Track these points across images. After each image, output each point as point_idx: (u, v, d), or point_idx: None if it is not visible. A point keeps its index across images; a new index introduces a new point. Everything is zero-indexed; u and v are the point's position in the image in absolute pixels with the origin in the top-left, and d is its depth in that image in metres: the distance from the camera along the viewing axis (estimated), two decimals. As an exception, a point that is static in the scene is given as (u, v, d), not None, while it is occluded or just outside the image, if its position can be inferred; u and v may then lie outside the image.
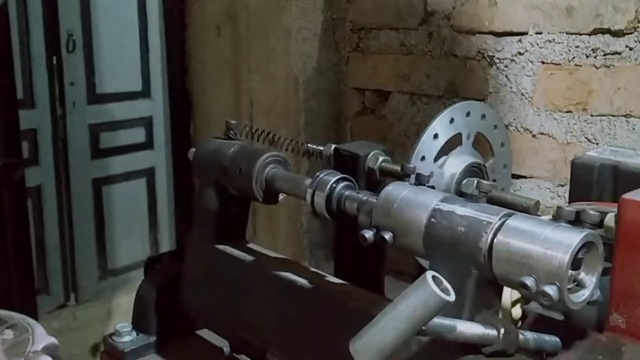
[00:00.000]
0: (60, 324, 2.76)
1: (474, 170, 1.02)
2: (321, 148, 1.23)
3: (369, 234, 0.86)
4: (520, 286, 0.74)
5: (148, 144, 3.34)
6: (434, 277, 0.63)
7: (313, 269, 1.05)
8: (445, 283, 0.63)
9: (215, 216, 1.15)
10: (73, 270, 3.08)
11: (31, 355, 1.59)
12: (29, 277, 2.04)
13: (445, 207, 0.81)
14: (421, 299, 0.63)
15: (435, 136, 0.97)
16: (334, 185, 0.94)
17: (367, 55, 1.60)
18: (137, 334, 1.19)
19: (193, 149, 1.26)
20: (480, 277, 0.78)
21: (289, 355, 0.98)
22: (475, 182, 0.97)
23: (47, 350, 1.71)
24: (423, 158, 0.96)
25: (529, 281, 0.72)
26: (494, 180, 1.09)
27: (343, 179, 0.95)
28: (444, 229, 0.80)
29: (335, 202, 0.93)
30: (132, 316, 1.22)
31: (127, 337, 1.18)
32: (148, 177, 3.36)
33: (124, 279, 3.23)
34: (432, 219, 0.82)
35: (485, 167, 1.04)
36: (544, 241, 0.74)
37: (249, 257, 1.08)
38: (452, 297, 0.63)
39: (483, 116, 1.05)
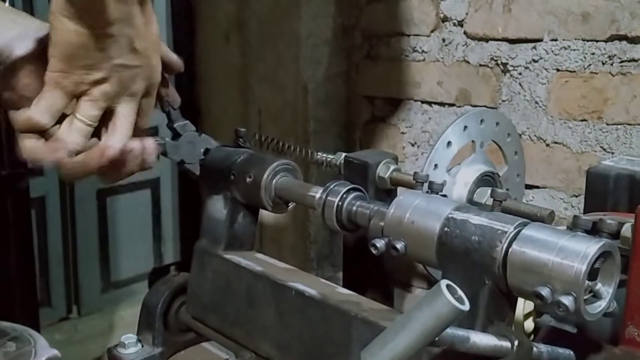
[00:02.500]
0: (62, 337, 2.75)
1: (487, 180, 1.00)
2: (331, 157, 1.22)
3: (380, 244, 0.84)
4: (535, 296, 0.71)
5: (154, 154, 3.33)
6: (448, 286, 0.61)
7: (322, 280, 1.03)
8: (460, 292, 0.61)
9: (224, 225, 1.13)
10: (76, 282, 3.06)
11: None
12: (31, 289, 2.03)
13: (459, 216, 0.79)
14: (435, 308, 0.61)
15: (449, 144, 0.95)
16: (345, 195, 0.92)
17: (378, 62, 1.58)
18: (142, 346, 1.17)
19: None
20: (494, 288, 0.75)
21: (297, 367, 0.96)
22: (489, 191, 0.95)
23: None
24: (436, 166, 0.94)
25: (545, 291, 0.70)
26: (507, 190, 1.07)
27: (354, 189, 0.93)
28: (457, 239, 0.78)
29: (345, 213, 0.91)
30: (137, 327, 1.20)
31: (132, 349, 1.16)
32: (153, 188, 3.34)
33: (128, 292, 3.20)
34: (446, 228, 0.79)
35: (499, 176, 1.02)
36: (560, 251, 0.72)
37: (257, 267, 1.06)
38: (466, 307, 0.60)
39: (497, 124, 1.03)
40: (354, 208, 0.91)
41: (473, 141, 0.99)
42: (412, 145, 1.52)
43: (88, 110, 0.71)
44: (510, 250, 0.74)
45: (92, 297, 3.13)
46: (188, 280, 1.21)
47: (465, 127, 0.97)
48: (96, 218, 3.11)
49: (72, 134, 0.72)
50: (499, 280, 0.75)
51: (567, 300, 0.68)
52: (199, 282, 1.16)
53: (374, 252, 0.85)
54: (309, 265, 1.60)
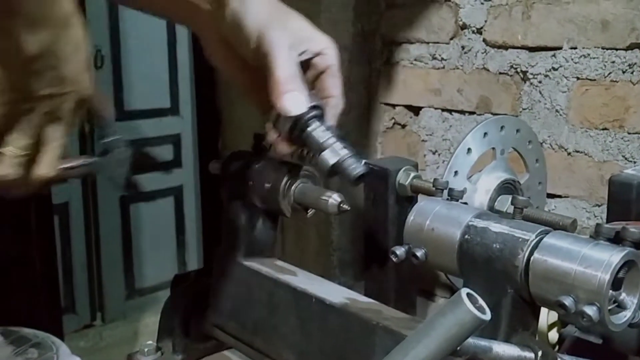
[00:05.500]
0: (86, 344, 2.77)
1: (508, 187, 0.99)
2: (351, 163, 1.21)
3: (400, 251, 0.84)
4: (558, 306, 0.71)
5: (176, 162, 3.34)
6: (469, 295, 0.60)
7: (343, 288, 1.03)
8: (481, 301, 0.61)
9: (243, 232, 1.13)
10: (100, 289, 3.08)
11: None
12: (55, 296, 2.03)
13: (480, 223, 0.79)
14: (456, 318, 0.60)
15: (469, 151, 0.95)
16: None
17: (398, 69, 1.58)
18: (162, 353, 1.18)
19: (215, 162, 1.25)
20: (517, 297, 0.75)
21: (317, 375, 0.96)
22: (510, 199, 0.94)
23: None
24: (456, 173, 0.94)
25: (568, 301, 0.69)
26: (529, 198, 1.06)
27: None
28: (478, 246, 0.78)
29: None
30: (157, 334, 1.21)
31: (152, 356, 1.16)
32: (176, 196, 3.35)
33: (151, 299, 3.21)
34: (466, 236, 0.79)
35: (520, 184, 1.02)
36: (583, 259, 0.71)
37: (278, 275, 1.06)
38: (487, 316, 0.60)
39: (517, 131, 1.02)
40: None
41: (493, 148, 0.99)
42: (433, 153, 1.52)
43: (17, 143, 0.68)
44: (532, 258, 0.74)
45: (116, 305, 3.14)
46: (208, 287, 1.21)
47: (485, 133, 0.97)
48: (119, 225, 3.13)
49: (5, 168, 0.69)
50: (522, 289, 0.74)
51: (590, 310, 0.68)
52: (220, 289, 1.16)
53: (394, 259, 0.84)
54: (331, 273, 1.60)
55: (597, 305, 0.68)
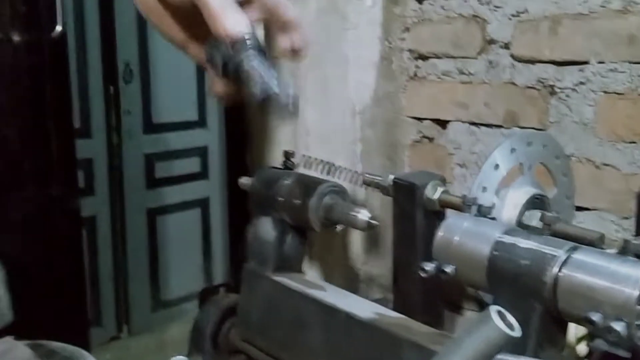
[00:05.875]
0: (112, 356, 2.79)
1: (536, 202, 1.00)
2: (380, 178, 1.23)
3: (429, 267, 0.85)
4: (587, 322, 0.71)
5: (203, 174, 3.36)
6: (498, 312, 0.61)
7: (371, 302, 1.04)
8: (510, 318, 0.61)
9: (273, 247, 1.15)
10: (126, 301, 3.10)
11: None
12: (82, 309, 2.05)
13: (508, 239, 0.80)
14: (485, 334, 0.61)
15: (496, 166, 0.96)
16: None
17: (425, 83, 1.59)
18: (193, 366, 1.20)
19: (244, 178, 1.27)
20: (545, 312, 0.76)
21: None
22: (540, 214, 0.95)
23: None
24: (484, 189, 0.94)
25: (596, 317, 0.70)
26: (557, 212, 1.06)
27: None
28: (507, 262, 0.79)
29: None
30: (188, 347, 1.23)
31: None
32: (202, 207, 3.37)
33: (177, 311, 3.22)
34: (495, 252, 0.80)
35: (547, 198, 1.02)
36: (611, 275, 0.72)
37: (306, 290, 1.08)
38: (517, 333, 0.61)
39: (545, 146, 1.03)
40: None
41: (521, 163, 0.99)
42: (461, 166, 1.52)
43: None
44: (560, 274, 0.75)
45: (142, 317, 3.16)
46: (237, 302, 1.23)
47: (513, 149, 0.97)
48: (146, 237, 3.15)
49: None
50: (550, 305, 0.75)
51: (618, 326, 0.68)
52: (248, 303, 1.17)
53: (423, 275, 0.85)
54: (357, 286, 1.60)
55: (626, 321, 0.69)
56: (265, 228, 1.16)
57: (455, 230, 0.84)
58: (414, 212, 1.12)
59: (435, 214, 1.13)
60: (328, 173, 1.29)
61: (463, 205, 0.90)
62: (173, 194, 3.27)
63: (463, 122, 1.51)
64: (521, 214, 0.98)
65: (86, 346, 1.93)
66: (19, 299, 1.63)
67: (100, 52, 2.93)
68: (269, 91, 0.61)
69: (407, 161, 1.65)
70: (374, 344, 0.92)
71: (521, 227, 0.97)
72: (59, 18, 1.68)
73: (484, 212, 0.86)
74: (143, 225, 3.15)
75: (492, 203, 0.95)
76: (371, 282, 1.65)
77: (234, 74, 0.64)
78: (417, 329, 0.94)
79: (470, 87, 1.49)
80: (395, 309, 1.09)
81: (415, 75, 1.60)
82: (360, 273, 1.65)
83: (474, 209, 0.87)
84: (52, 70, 1.76)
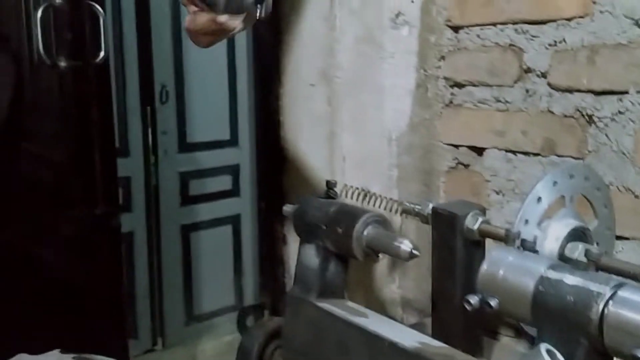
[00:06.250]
0: None
1: (577, 234, 1.01)
2: (419, 207, 1.25)
3: (474, 300, 0.87)
4: (633, 359, 0.73)
5: (234, 192, 3.44)
6: (548, 351, 0.63)
7: (413, 331, 1.06)
8: (559, 356, 0.63)
9: (315, 274, 1.17)
10: (161, 315, 3.17)
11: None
12: (121, 323, 2.10)
13: (553, 275, 0.81)
14: (536, 372, 0.63)
15: (539, 200, 0.97)
16: None
17: (460, 110, 1.61)
18: (237, 389, 1.22)
19: (288, 206, 1.29)
20: (591, 348, 0.77)
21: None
22: (584, 250, 0.96)
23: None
24: (527, 222, 0.96)
25: (642, 354, 0.71)
26: (597, 243, 1.08)
27: None
28: (552, 298, 0.80)
29: None
30: (233, 369, 1.25)
31: (227, 391, 1.21)
32: (234, 224, 3.44)
33: (209, 325, 3.29)
34: (540, 287, 0.81)
35: (589, 230, 1.03)
36: (658, 313, 0.73)
37: (350, 317, 1.10)
38: (566, 372, 0.62)
39: (586, 178, 1.04)
40: None
41: (563, 196, 1.01)
42: (497, 193, 1.54)
43: None
44: (606, 311, 0.76)
45: (176, 330, 3.23)
46: (281, 326, 1.25)
47: (555, 182, 0.99)
48: (180, 252, 3.23)
49: None
50: (595, 341, 0.76)
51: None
52: (292, 328, 1.20)
53: (468, 308, 0.87)
54: (394, 310, 1.62)
55: (672, 358, 0.70)
56: (309, 255, 1.18)
57: (500, 264, 0.86)
58: (454, 242, 1.14)
59: (475, 243, 1.15)
60: (368, 201, 1.31)
61: (506, 238, 0.91)
62: (206, 211, 3.35)
63: (499, 149, 1.53)
64: (563, 246, 0.99)
65: (125, 359, 1.97)
66: (65, 312, 1.68)
67: (138, 74, 3.02)
68: None
69: (442, 187, 1.67)
70: (419, 375, 0.94)
71: (563, 259, 0.98)
72: (103, 44, 1.73)
73: (527, 247, 0.87)
74: (177, 240, 3.23)
75: (534, 236, 0.97)
76: (408, 305, 1.66)
77: None
78: (459, 359, 0.95)
79: (506, 115, 1.50)
80: (434, 336, 1.10)
81: (451, 102, 1.62)
82: (396, 297, 1.67)
83: (518, 243, 0.88)
84: (97, 94, 1.81)
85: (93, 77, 1.79)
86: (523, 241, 0.87)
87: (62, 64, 1.69)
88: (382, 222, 1.12)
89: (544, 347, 0.63)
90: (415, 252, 1.02)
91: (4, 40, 1.67)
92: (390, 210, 1.28)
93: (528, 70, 1.46)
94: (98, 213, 1.87)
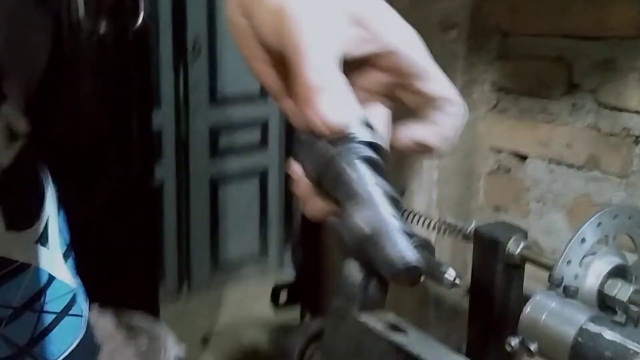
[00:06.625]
0: (173, 312, 2.93)
1: (618, 271, 1.04)
2: (460, 225, 1.27)
3: (514, 342, 0.91)
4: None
5: (263, 146, 3.48)
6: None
7: (455, 353, 1.10)
8: None
9: (358, 288, 1.21)
10: (188, 262, 3.28)
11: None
12: (154, 270, 2.18)
13: (593, 328, 0.84)
14: None
15: (583, 240, 1.00)
16: None
17: (505, 116, 1.62)
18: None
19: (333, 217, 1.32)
20: (627, 405, 0.80)
21: None
22: (620, 284, 0.99)
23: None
24: (569, 262, 0.99)
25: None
26: (636, 278, 1.10)
27: None
28: (590, 351, 0.83)
29: None
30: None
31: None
32: (261, 177, 3.51)
33: (235, 273, 3.43)
34: (579, 339, 0.84)
35: (629, 267, 1.06)
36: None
37: (391, 335, 1.14)
38: None
39: (630, 218, 1.06)
40: None
41: (606, 235, 1.03)
42: (537, 202, 1.56)
43: None
44: (643, 371, 0.79)
45: (202, 276, 3.33)
46: (320, 330, 1.30)
47: (600, 223, 1.01)
48: (208, 203, 3.31)
49: None
50: (630, 399, 0.79)
51: None
52: (333, 340, 1.24)
53: (508, 349, 0.91)
54: (428, 325, 1.66)
55: None
56: (352, 270, 1.22)
57: (543, 310, 0.89)
58: (494, 265, 1.17)
59: (516, 267, 1.18)
60: (406, 218, 1.34)
61: (550, 282, 0.94)
62: (234, 164, 3.42)
63: (542, 159, 1.54)
64: (603, 283, 1.02)
65: (156, 305, 2.12)
66: (99, 267, 1.75)
67: (171, 27, 3.04)
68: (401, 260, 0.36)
69: (483, 190, 1.69)
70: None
71: (602, 296, 1.01)
72: (142, 5, 1.75)
73: (570, 294, 0.90)
74: (206, 192, 3.30)
75: (575, 274, 1.00)
76: (440, 320, 1.70)
77: (330, 187, 0.43)
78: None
79: (551, 126, 1.51)
80: (467, 355, 1.14)
81: (496, 106, 1.63)
82: (429, 311, 1.70)
83: (561, 290, 0.91)
84: (136, 55, 1.83)
85: (133, 37, 1.81)
86: (565, 288, 0.90)
87: (102, 26, 1.70)
88: (426, 246, 1.15)
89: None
90: (457, 282, 1.06)
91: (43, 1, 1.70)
92: (430, 229, 1.31)
93: (576, 85, 1.46)
94: (134, 173, 1.92)
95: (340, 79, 0.43)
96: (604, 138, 1.42)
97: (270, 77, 0.49)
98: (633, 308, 0.89)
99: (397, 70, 0.48)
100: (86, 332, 0.74)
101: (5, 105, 0.65)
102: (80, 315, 0.74)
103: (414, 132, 0.48)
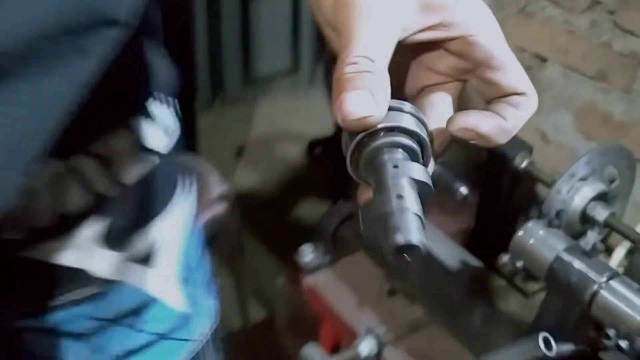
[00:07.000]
0: (206, 124, 2.93)
1: (601, 196, 1.28)
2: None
3: (505, 258, 1.18)
4: (605, 336, 1.05)
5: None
6: (544, 339, 0.95)
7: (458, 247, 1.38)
8: (554, 344, 0.95)
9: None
10: (220, 75, 3.31)
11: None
12: (192, 77, 2.40)
13: (566, 257, 1.11)
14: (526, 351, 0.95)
15: (572, 175, 1.23)
16: None
17: (531, 19, 1.77)
18: (316, 255, 1.58)
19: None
20: (581, 316, 1.09)
21: None
22: (599, 206, 1.24)
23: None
24: (559, 192, 1.23)
25: (611, 333, 1.03)
26: (617, 198, 1.34)
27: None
28: (561, 274, 1.10)
29: None
30: (314, 242, 1.60)
31: (309, 256, 1.58)
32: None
33: (266, 86, 3.45)
34: (554, 264, 1.11)
35: (611, 193, 1.30)
36: (632, 306, 1.03)
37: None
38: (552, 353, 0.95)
39: (616, 153, 1.29)
40: None
41: (594, 169, 1.26)
42: (550, 101, 1.76)
43: None
44: (597, 294, 1.07)
45: (235, 89, 3.39)
46: (353, 211, 1.59)
47: (588, 161, 1.24)
48: (240, 19, 3.28)
49: None
50: (586, 311, 1.08)
51: (624, 344, 1.01)
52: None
53: (499, 264, 1.18)
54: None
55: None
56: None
57: (531, 236, 1.15)
58: (501, 177, 1.42)
59: (519, 178, 1.42)
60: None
61: (539, 214, 1.20)
62: None
63: (561, 64, 1.72)
64: (586, 205, 1.27)
65: (193, 113, 2.32)
66: None
67: None
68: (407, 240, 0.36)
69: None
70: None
71: (584, 216, 1.27)
72: None
73: (555, 225, 1.16)
74: (237, 9, 3.27)
75: (563, 200, 1.24)
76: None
77: (366, 169, 0.43)
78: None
79: (572, 37, 1.67)
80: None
81: (524, 9, 1.78)
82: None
83: (547, 220, 1.17)
84: None
85: None
86: (550, 221, 1.16)
87: None
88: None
89: (541, 335, 0.95)
90: (468, 196, 1.31)
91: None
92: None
93: (599, 2, 1.60)
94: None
95: (379, 72, 0.41)
96: (614, 56, 1.59)
97: (337, 46, 0.44)
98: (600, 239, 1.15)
99: (472, 58, 0.47)
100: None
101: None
102: (187, 340, 0.70)
103: (476, 122, 0.45)
